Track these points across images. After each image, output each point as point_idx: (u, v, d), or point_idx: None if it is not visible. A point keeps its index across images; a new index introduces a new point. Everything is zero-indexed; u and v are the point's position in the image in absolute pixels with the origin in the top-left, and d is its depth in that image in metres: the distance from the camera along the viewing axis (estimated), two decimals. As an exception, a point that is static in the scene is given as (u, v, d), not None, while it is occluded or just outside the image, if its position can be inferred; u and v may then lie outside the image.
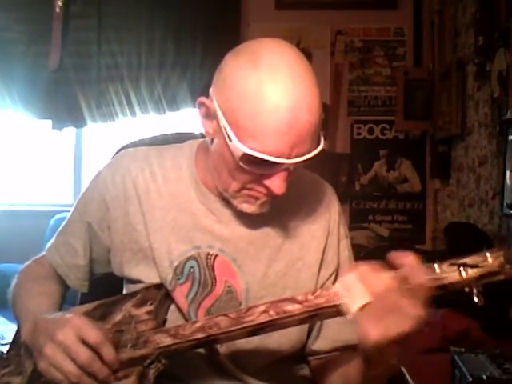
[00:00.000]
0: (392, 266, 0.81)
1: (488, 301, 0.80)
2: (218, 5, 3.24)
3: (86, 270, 1.12)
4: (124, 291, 1.09)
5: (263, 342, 0.99)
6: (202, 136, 1.08)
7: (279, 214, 1.04)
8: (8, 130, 3.62)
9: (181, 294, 1.01)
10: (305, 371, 1.10)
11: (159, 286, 1.01)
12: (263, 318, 0.85)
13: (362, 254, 2.54)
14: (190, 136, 1.16)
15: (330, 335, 1.05)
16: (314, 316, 0.86)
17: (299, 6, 3.28)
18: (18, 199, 3.59)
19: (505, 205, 2.18)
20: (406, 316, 0.76)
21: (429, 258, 0.82)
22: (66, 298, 1.13)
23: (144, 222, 1.03)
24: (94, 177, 1.11)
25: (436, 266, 0.79)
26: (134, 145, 1.19)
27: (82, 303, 1.10)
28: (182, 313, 1.01)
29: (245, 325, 0.86)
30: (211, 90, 0.94)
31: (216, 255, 1.02)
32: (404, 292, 0.77)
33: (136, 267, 1.04)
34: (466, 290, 0.80)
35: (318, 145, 0.92)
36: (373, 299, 0.80)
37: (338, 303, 0.83)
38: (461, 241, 2.32)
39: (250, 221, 1.01)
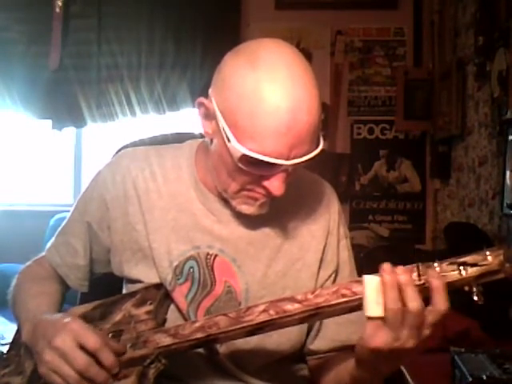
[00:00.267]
0: None
1: (488, 301, 0.79)
2: (217, 5, 3.23)
3: (86, 270, 1.12)
4: (124, 291, 1.09)
5: (263, 341, 0.99)
6: (202, 136, 1.08)
7: (279, 214, 1.04)
8: (8, 130, 3.62)
9: (180, 294, 1.01)
10: (305, 371, 1.10)
11: (159, 286, 1.01)
12: (263, 318, 0.85)
13: (361, 254, 2.54)
14: (189, 136, 1.16)
15: (329, 335, 1.05)
16: (314, 315, 0.86)
17: (299, 6, 3.28)
18: (18, 199, 3.59)
19: (505, 205, 2.18)
20: (417, 335, 0.77)
21: (429, 258, 0.82)
22: (66, 298, 1.13)
23: (144, 222, 1.03)
24: (94, 176, 1.11)
25: (436, 264, 0.79)
26: (134, 145, 1.19)
27: (81, 303, 1.10)
28: (182, 313, 1.01)
29: (244, 324, 0.86)
30: (210, 90, 0.94)
31: (216, 255, 1.01)
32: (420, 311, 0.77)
33: (135, 267, 1.04)
34: (466, 288, 0.79)
35: (318, 145, 0.91)
36: (385, 314, 0.78)
37: (356, 303, 0.82)
38: (461, 241, 2.32)
39: (250, 221, 1.01)
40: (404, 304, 0.77)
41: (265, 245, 1.03)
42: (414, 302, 0.77)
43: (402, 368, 1.51)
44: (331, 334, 1.05)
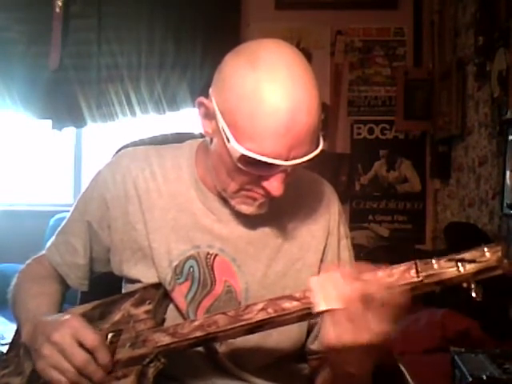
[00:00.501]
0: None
1: (488, 300, 0.79)
2: (218, 5, 3.24)
3: (86, 269, 1.12)
4: (123, 291, 1.09)
5: (262, 340, 0.99)
6: (202, 136, 1.08)
7: (279, 213, 1.03)
8: (8, 130, 3.62)
9: (180, 294, 1.01)
10: (306, 371, 1.10)
11: (157, 286, 1.01)
12: (261, 316, 0.85)
13: (361, 253, 2.54)
14: (189, 136, 1.16)
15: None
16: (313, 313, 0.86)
17: (299, 6, 3.28)
18: (18, 199, 3.59)
19: (505, 205, 2.18)
20: (367, 329, 0.76)
21: (429, 257, 0.82)
22: (66, 298, 1.13)
23: (144, 222, 1.03)
24: (94, 176, 1.11)
25: (434, 261, 0.79)
26: (134, 145, 1.19)
27: (81, 303, 1.11)
28: (181, 312, 1.01)
29: (243, 323, 0.86)
30: (211, 90, 0.94)
31: (216, 255, 1.01)
32: (374, 305, 0.76)
33: (135, 266, 1.04)
34: (464, 285, 0.79)
35: (318, 146, 0.91)
36: (340, 306, 0.78)
37: (308, 305, 0.82)
38: (461, 241, 2.32)
39: (250, 220, 1.01)
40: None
41: (265, 244, 1.03)
42: (363, 293, 0.77)
43: (402, 368, 1.51)
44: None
